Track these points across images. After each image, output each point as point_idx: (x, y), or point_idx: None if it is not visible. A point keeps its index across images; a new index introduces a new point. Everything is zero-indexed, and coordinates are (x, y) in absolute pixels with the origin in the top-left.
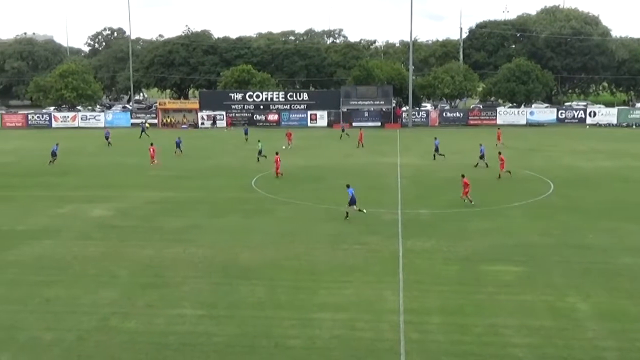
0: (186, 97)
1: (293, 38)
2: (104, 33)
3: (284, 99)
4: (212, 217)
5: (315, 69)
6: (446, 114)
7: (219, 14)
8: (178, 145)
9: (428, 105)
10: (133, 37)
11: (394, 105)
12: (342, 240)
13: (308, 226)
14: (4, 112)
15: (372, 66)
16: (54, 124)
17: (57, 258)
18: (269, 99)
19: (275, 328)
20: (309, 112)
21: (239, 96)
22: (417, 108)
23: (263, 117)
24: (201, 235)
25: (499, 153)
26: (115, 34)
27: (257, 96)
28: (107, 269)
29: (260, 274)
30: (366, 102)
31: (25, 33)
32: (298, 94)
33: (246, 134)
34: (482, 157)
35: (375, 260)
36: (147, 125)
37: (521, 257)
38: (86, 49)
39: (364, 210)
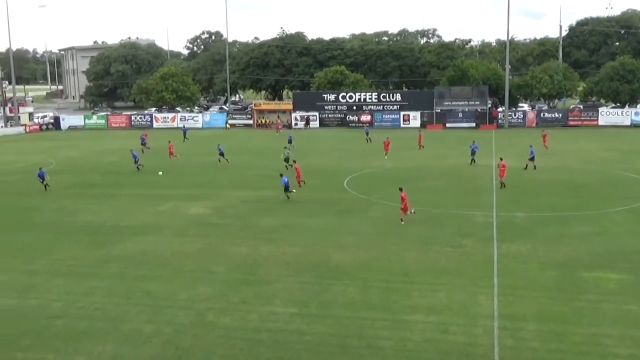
0: (280, 98)
1: (386, 38)
2: (203, 36)
3: (376, 100)
4: (304, 217)
5: (409, 69)
6: (544, 115)
7: (313, 15)
8: (222, 153)
9: (525, 106)
10: (230, 40)
11: (489, 105)
12: (434, 242)
13: (400, 227)
14: (109, 113)
15: (467, 66)
16: (154, 125)
17: (158, 254)
18: (362, 100)
19: (366, 329)
20: (401, 113)
21: (332, 97)
22: (514, 108)
23: (356, 118)
24: (293, 234)
25: (500, 159)
26: (213, 37)
27: (350, 97)
28: (204, 266)
29: (351, 274)
30: (460, 103)
31: (129, 38)
32: (391, 94)
33: (290, 142)
34: (531, 159)
35: (469, 264)
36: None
37: (625, 264)
38: (185, 52)
39: (290, 194)
